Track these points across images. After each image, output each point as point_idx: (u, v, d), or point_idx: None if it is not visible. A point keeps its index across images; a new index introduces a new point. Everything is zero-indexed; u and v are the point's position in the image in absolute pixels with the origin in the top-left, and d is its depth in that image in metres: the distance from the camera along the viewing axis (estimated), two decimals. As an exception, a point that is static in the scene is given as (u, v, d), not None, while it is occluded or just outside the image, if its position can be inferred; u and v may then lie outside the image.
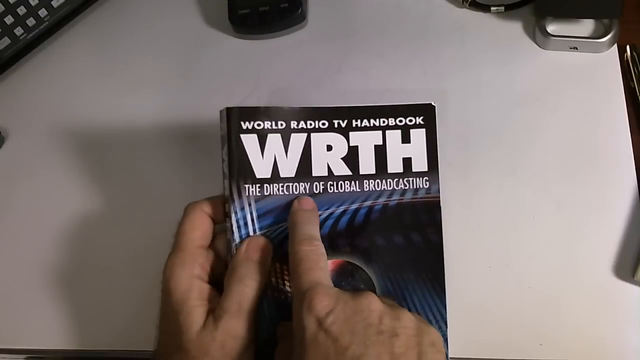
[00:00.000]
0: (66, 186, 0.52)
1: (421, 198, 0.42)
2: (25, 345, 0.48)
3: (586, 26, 0.53)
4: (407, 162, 0.42)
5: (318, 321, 0.34)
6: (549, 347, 0.43)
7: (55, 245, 0.50)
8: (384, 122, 0.42)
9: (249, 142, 0.41)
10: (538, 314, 0.44)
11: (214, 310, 0.38)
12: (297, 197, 0.41)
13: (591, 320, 0.43)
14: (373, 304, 0.35)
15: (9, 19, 0.56)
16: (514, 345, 0.43)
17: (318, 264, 0.37)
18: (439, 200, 0.42)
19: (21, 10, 0.56)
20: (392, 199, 0.42)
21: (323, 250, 0.38)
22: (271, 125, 0.41)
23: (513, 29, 0.54)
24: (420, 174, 0.42)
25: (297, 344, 0.35)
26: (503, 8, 0.54)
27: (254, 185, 0.41)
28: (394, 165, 0.42)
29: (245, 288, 0.38)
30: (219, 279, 0.40)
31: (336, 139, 0.42)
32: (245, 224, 0.40)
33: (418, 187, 0.42)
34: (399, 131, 0.42)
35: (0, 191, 0.53)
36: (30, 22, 0.57)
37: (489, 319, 0.44)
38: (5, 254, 0.50)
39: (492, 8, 0.54)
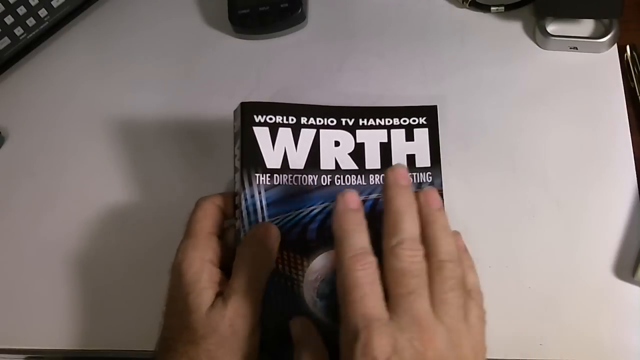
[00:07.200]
0: (65, 186, 0.52)
1: None
2: (25, 345, 0.47)
3: (586, 26, 0.53)
4: (410, 158, 0.45)
5: None
6: (549, 347, 0.43)
7: (55, 246, 0.50)
8: (388, 121, 0.45)
9: (261, 134, 0.43)
10: (538, 314, 0.44)
11: (223, 293, 0.38)
12: (342, 192, 0.36)
13: (591, 320, 0.43)
14: (436, 339, 0.32)
15: (9, 19, 0.56)
16: (514, 345, 0.43)
17: (372, 289, 0.33)
18: (442, 193, 0.44)
19: (21, 10, 0.56)
20: None
21: (376, 267, 0.34)
22: (282, 120, 0.44)
23: (513, 29, 0.54)
24: (423, 169, 0.44)
25: None
26: (503, 8, 0.54)
27: (264, 175, 0.42)
28: (399, 161, 0.44)
29: (254, 270, 0.38)
30: (228, 268, 0.40)
31: (344, 135, 0.45)
32: (255, 211, 0.42)
33: (421, 181, 0.44)
34: (403, 130, 0.45)
35: (0, 191, 0.53)
36: (30, 22, 0.57)
37: (489, 319, 0.44)
38: (4, 254, 0.50)
39: (492, 8, 0.54)
